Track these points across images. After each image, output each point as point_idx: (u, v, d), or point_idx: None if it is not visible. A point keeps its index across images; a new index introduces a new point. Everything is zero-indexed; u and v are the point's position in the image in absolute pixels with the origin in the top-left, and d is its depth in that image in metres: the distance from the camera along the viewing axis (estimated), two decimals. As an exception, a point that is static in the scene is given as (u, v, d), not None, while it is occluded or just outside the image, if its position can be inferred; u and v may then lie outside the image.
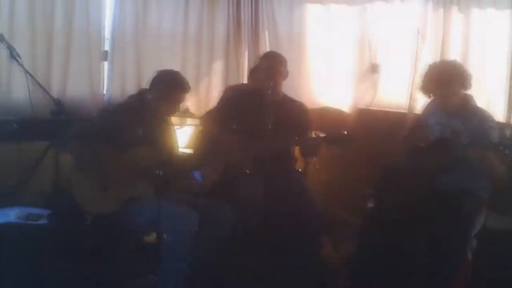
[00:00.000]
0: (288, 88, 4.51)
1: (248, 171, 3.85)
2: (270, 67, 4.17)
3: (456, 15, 5.15)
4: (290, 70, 4.36)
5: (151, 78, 3.82)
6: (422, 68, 4.08)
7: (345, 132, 3.81)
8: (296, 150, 4.34)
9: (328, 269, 4.32)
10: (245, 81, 5.30)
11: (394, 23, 5.41)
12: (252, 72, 4.98)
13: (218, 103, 4.74)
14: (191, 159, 4.08)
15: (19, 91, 4.64)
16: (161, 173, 3.25)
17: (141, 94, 3.79)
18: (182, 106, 4.34)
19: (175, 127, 4.18)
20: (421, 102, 4.95)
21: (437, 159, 3.65)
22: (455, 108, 3.75)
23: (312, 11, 5.58)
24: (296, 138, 4.00)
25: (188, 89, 3.80)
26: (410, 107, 5.21)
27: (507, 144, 3.27)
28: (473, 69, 4.27)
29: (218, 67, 5.53)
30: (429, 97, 3.92)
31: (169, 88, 3.73)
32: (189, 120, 5.40)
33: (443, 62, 3.97)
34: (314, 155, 4.16)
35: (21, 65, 4.19)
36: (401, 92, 5.39)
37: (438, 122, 3.84)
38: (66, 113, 4.17)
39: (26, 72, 4.22)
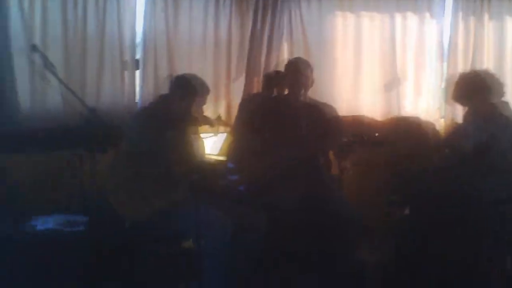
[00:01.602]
0: (315, 96, 4.48)
1: (280, 177, 3.85)
2: (297, 72, 4.17)
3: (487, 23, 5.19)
4: (318, 78, 4.36)
5: (169, 84, 3.85)
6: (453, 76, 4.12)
7: (377, 134, 3.85)
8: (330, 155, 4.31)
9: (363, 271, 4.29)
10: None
11: (424, 31, 5.44)
12: (268, 79, 5.01)
13: (242, 114, 4.76)
14: (225, 165, 4.09)
15: (53, 100, 4.75)
16: (196, 177, 3.25)
17: (161, 99, 3.81)
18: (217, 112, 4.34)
19: (209, 135, 4.19)
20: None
21: (476, 165, 3.66)
22: (489, 115, 3.80)
23: (341, 19, 5.56)
24: (328, 141, 4.01)
25: (203, 92, 3.79)
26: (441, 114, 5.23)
27: None
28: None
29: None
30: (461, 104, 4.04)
31: (185, 92, 3.74)
32: (221, 128, 5.38)
33: (469, 73, 4.07)
34: (346, 157, 4.14)
35: (55, 74, 4.25)
36: (431, 101, 5.47)
37: (476, 128, 3.85)
38: (100, 121, 4.21)
39: (60, 81, 4.27)
